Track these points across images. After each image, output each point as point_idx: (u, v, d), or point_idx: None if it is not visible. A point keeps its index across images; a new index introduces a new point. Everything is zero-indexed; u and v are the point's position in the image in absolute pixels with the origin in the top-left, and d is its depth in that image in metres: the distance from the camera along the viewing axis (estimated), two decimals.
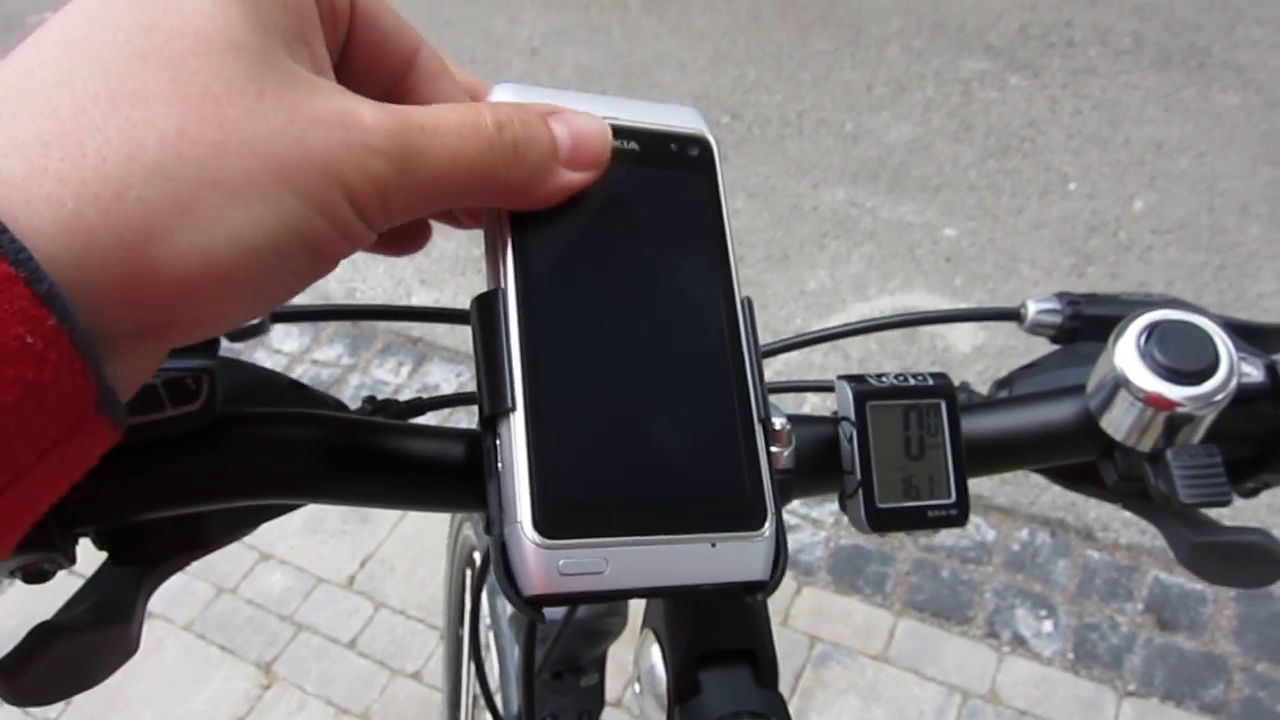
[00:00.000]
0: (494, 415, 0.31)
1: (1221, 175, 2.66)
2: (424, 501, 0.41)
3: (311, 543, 2.06)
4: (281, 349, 2.47)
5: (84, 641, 0.36)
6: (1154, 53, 3.14)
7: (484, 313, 0.32)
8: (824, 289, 2.49)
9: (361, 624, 1.93)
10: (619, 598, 0.33)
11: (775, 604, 1.84)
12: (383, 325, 2.49)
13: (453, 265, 2.69)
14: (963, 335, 2.31)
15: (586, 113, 0.33)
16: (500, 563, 0.31)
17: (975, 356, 2.25)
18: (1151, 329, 0.44)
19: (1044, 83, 3.08)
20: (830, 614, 1.85)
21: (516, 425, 0.31)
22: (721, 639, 0.44)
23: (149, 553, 0.39)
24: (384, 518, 2.08)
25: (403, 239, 0.38)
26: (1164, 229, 2.54)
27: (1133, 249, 2.50)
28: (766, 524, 0.33)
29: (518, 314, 0.32)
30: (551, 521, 0.30)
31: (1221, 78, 2.99)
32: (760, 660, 0.45)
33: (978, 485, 2.02)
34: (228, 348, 0.47)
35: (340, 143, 0.27)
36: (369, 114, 0.28)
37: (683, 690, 0.44)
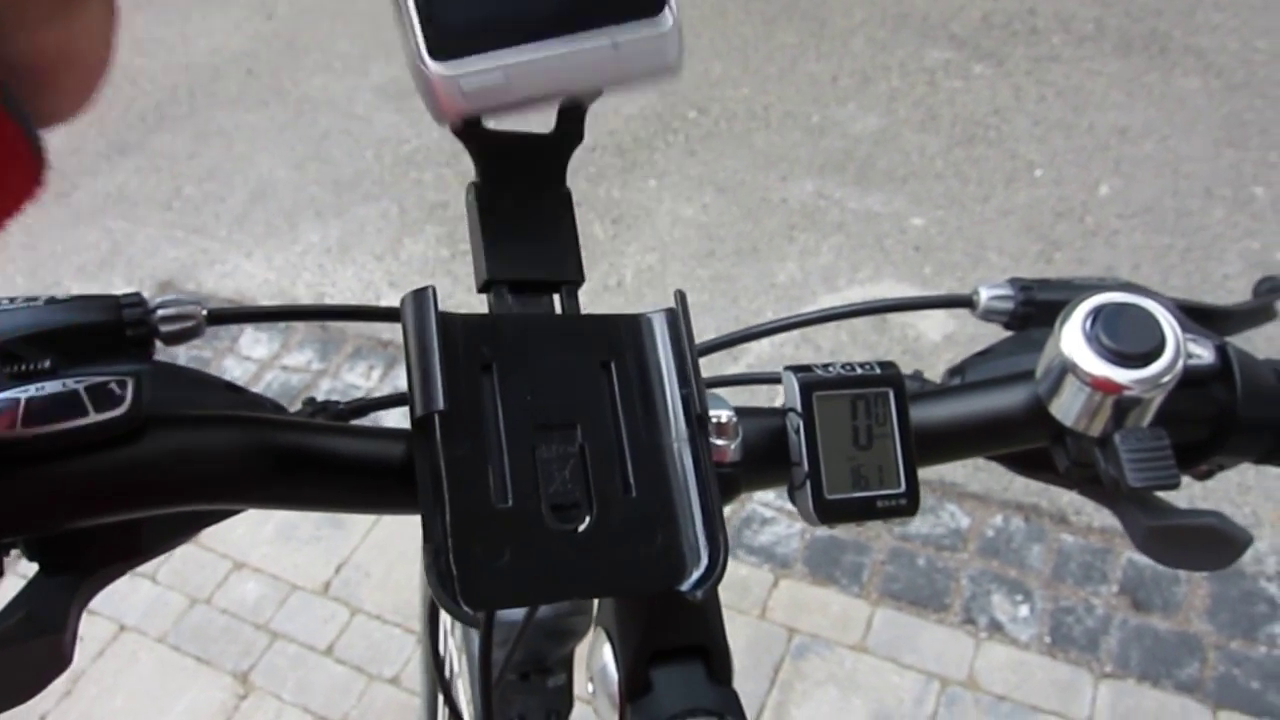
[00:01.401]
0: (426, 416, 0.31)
1: (1185, 159, 2.68)
2: (363, 504, 0.40)
3: (285, 550, 2.04)
4: (250, 355, 2.45)
5: (14, 654, 0.35)
6: (1116, 39, 3.16)
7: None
8: (794, 281, 2.49)
9: (338, 630, 1.91)
10: (529, 107, 0.32)
11: (753, 597, 1.84)
12: (352, 329, 2.47)
13: (421, 267, 2.68)
14: (933, 324, 2.32)
15: None
16: (434, 569, 0.30)
17: (946, 345, 2.26)
18: (1097, 312, 0.44)
19: (1008, 71, 3.09)
20: (808, 605, 1.85)
21: None
22: (672, 636, 0.43)
23: (83, 562, 0.38)
24: (358, 523, 2.06)
25: None
26: (1129, 213, 2.56)
27: (1099, 234, 2.52)
28: (667, 9, 0.32)
29: None
30: (444, 45, 0.30)
31: (1183, 62, 3.01)
32: (713, 656, 0.44)
33: (950, 473, 2.03)
34: (164, 352, 0.46)
35: None
36: None
37: (634, 689, 0.43)
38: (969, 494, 2.00)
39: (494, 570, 0.32)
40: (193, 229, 2.93)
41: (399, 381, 2.32)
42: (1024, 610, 1.82)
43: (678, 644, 0.44)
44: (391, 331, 2.46)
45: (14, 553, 0.38)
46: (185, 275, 2.77)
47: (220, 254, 2.83)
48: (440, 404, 0.31)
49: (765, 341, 2.28)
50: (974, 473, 2.02)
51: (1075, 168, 2.71)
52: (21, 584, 0.37)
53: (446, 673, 1.22)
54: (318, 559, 2.03)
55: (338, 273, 2.70)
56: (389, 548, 2.03)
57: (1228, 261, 2.39)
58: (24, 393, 0.35)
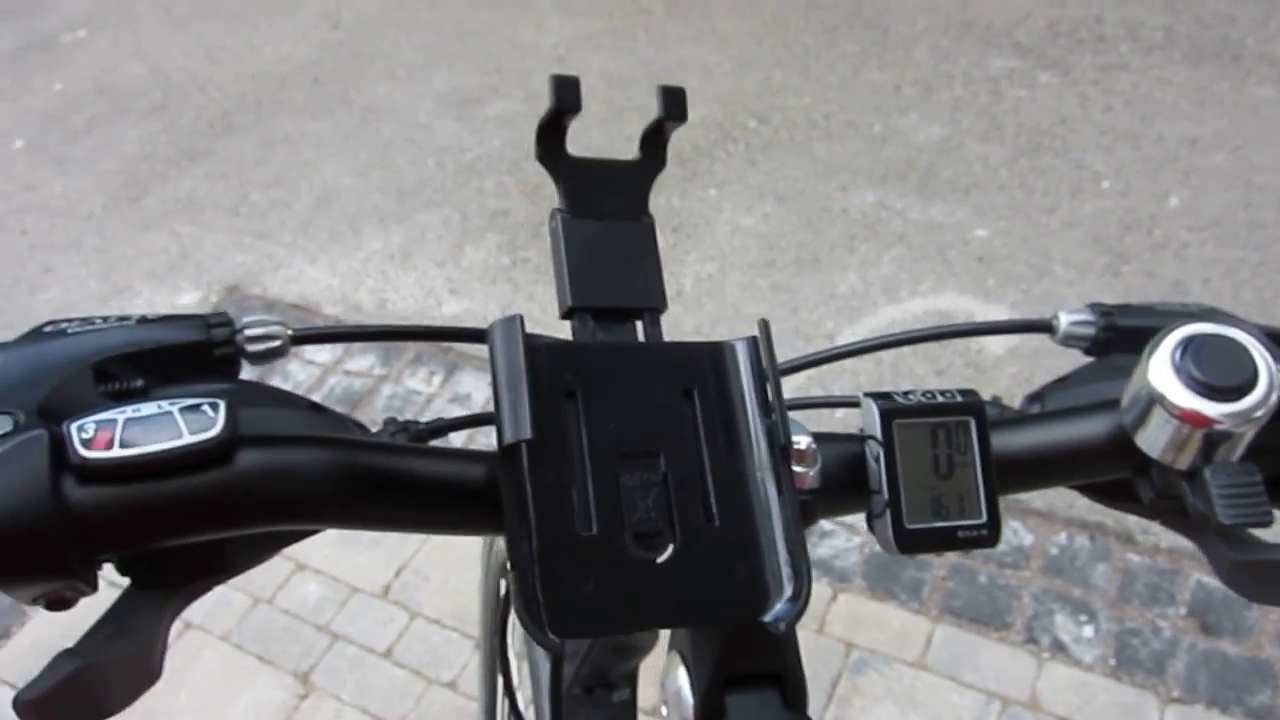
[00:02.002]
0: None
1: (1258, 169, 2.62)
2: (445, 525, 0.41)
3: (346, 553, 2.07)
4: (314, 360, 2.49)
5: (106, 668, 0.36)
6: (1186, 47, 3.09)
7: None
8: (854, 292, 2.47)
9: (397, 633, 1.93)
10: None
11: (811, 612, 1.82)
12: None
13: (482, 274, 2.70)
14: (996, 338, 2.29)
15: None
16: (520, 596, 0.30)
17: (1009, 359, 2.22)
18: (1187, 343, 0.43)
19: (1074, 80, 3.05)
20: (866, 621, 1.83)
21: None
22: (748, 662, 0.43)
23: (171, 578, 0.39)
24: None
25: None
26: (1200, 226, 2.50)
27: (1168, 246, 2.47)
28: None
29: None
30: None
31: (1257, 70, 2.94)
32: (788, 684, 0.44)
33: None
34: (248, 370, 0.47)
35: None
36: None
37: (708, 714, 0.43)
38: (1032, 511, 1.97)
39: (579, 598, 0.32)
40: (259, 234, 2.98)
41: (459, 388, 2.34)
42: (1088, 630, 1.79)
43: (753, 671, 0.44)
44: None
45: (106, 567, 0.39)
46: (251, 280, 2.82)
47: (285, 259, 2.88)
48: (528, 433, 0.32)
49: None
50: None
51: (1143, 179, 2.66)
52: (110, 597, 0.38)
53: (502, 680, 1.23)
54: (378, 562, 2.05)
55: (400, 279, 2.73)
56: (448, 553, 2.05)
57: None
58: (121, 414, 0.35)
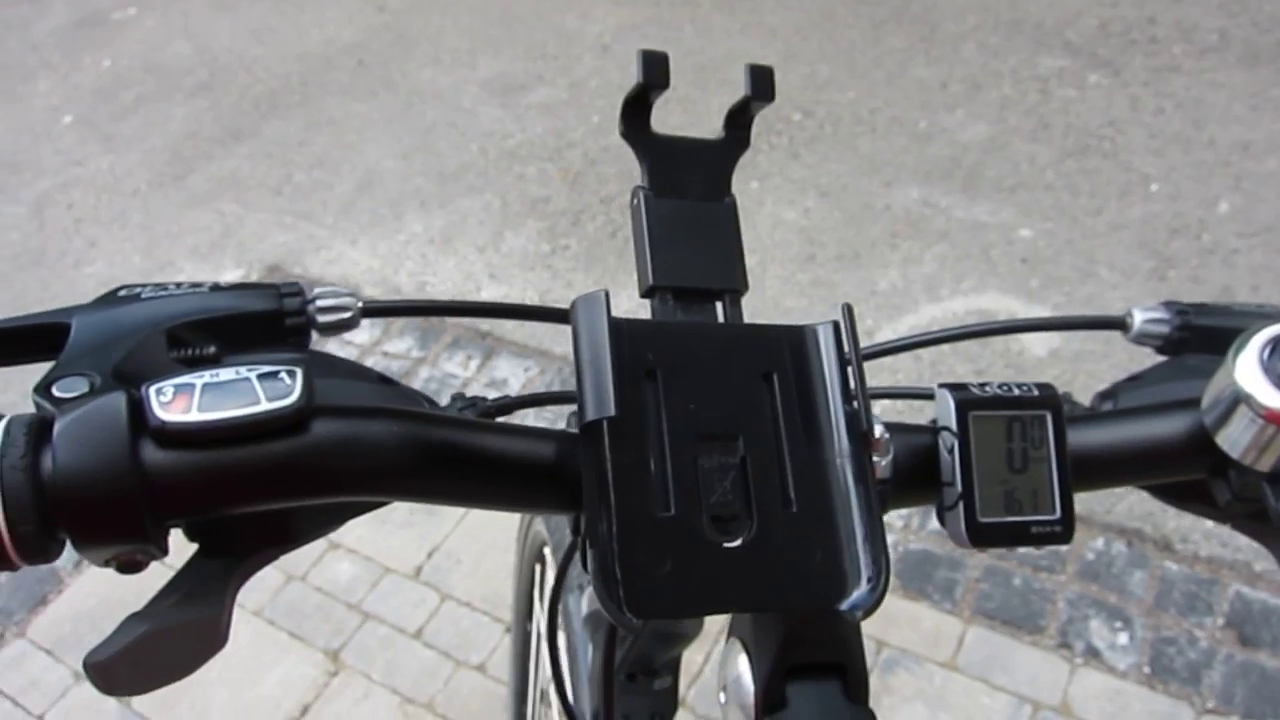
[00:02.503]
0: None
1: None
2: (513, 501, 0.41)
3: (380, 533, 2.08)
4: (353, 341, 2.50)
5: (174, 632, 0.36)
6: (1241, 50, 3.04)
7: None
8: (895, 289, 2.45)
9: (427, 615, 1.94)
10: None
11: None
12: (451, 319, 2.51)
13: (521, 260, 2.70)
14: (1038, 338, 2.26)
15: None
16: (599, 575, 0.30)
17: (1050, 361, 2.20)
18: (1276, 342, 0.42)
19: (1125, 81, 3.00)
20: (898, 620, 1.82)
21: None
22: (811, 652, 0.43)
23: (239, 545, 0.39)
24: (450, 511, 2.09)
25: None
26: (1250, 232, 2.46)
27: (1217, 252, 2.43)
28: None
29: None
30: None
31: None
32: (850, 675, 0.43)
33: None
34: (317, 341, 0.47)
35: None
36: None
37: (770, 703, 0.43)
38: None
39: (656, 579, 0.32)
40: (301, 215, 3.00)
41: (496, 373, 2.35)
42: (1123, 638, 1.77)
43: (816, 660, 0.43)
44: (488, 322, 2.49)
45: (175, 532, 0.39)
46: (293, 260, 2.84)
47: (327, 240, 2.89)
48: (612, 410, 0.31)
49: (875, 340, 2.25)
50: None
51: (1193, 183, 2.62)
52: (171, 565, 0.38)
53: (534, 665, 1.23)
54: (410, 543, 2.06)
55: (439, 263, 2.74)
56: (480, 536, 2.05)
57: None
58: (199, 378, 0.35)
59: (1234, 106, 2.84)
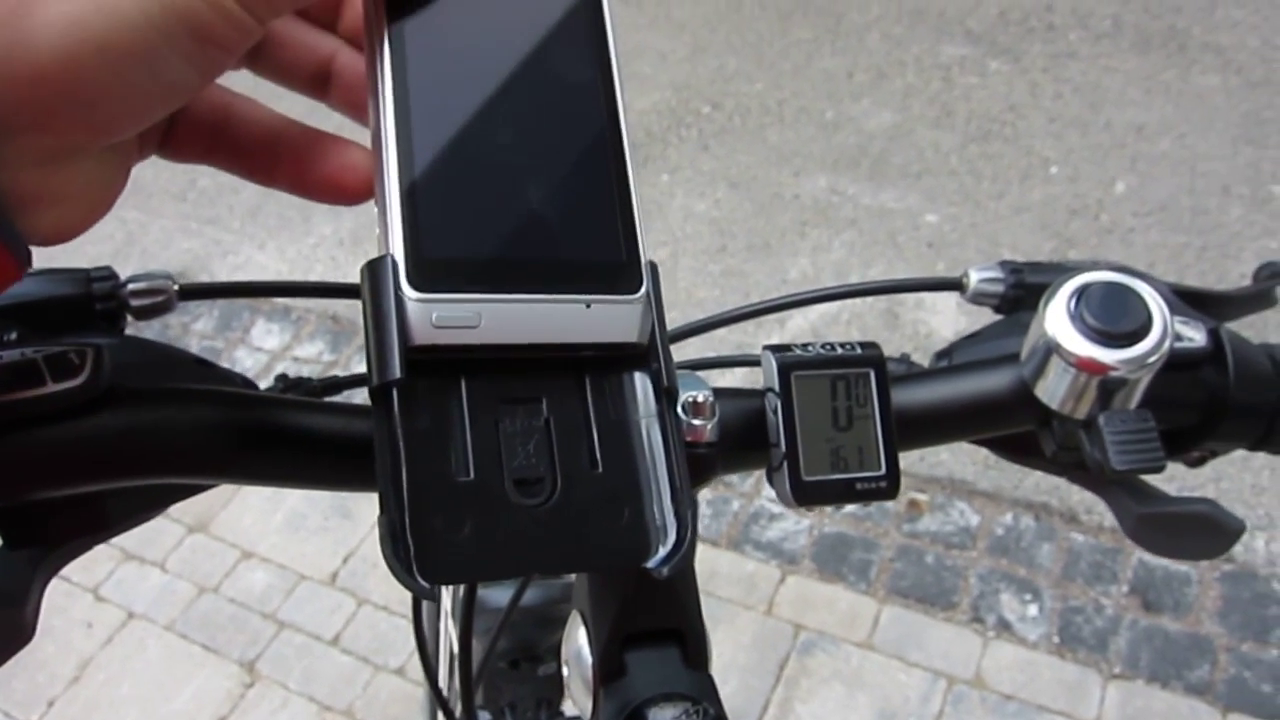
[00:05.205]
0: (383, 385, 0.31)
1: (1202, 156, 2.65)
2: (330, 481, 0.40)
3: (293, 540, 2.05)
4: (262, 346, 2.46)
5: None
6: (1134, 36, 3.13)
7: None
8: (806, 277, 2.48)
9: (344, 620, 1.92)
10: (495, 353, 0.33)
11: (759, 593, 1.83)
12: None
13: None
14: (946, 320, 2.30)
15: None
16: (389, 540, 0.30)
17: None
18: (1081, 291, 0.43)
19: (1024, 67, 3.07)
20: (815, 602, 1.84)
21: (391, 187, 0.33)
22: (646, 619, 0.43)
23: (46, 535, 0.37)
24: (366, 513, 2.06)
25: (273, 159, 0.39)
26: (1145, 211, 2.53)
27: (1115, 231, 2.49)
28: (641, 289, 0.34)
29: (393, 87, 0.34)
30: (426, 276, 0.32)
31: (1202, 59, 2.98)
32: (688, 640, 0.44)
33: (960, 470, 2.00)
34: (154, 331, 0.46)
35: None
36: None
37: (608, 671, 0.43)
38: (979, 492, 1.99)
39: (453, 544, 0.31)
40: (207, 220, 2.94)
41: None
42: (1033, 609, 1.81)
43: (652, 627, 0.43)
44: None
45: None
46: (199, 266, 2.78)
47: (234, 245, 2.84)
48: (397, 373, 0.31)
49: (786, 329, 2.27)
50: (984, 470, 2.00)
51: (1091, 165, 2.69)
52: None
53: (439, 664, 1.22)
54: (325, 549, 2.03)
55: (350, 264, 2.70)
56: None
57: (1244, 260, 2.36)
58: None
59: (1128, 90, 2.92)
